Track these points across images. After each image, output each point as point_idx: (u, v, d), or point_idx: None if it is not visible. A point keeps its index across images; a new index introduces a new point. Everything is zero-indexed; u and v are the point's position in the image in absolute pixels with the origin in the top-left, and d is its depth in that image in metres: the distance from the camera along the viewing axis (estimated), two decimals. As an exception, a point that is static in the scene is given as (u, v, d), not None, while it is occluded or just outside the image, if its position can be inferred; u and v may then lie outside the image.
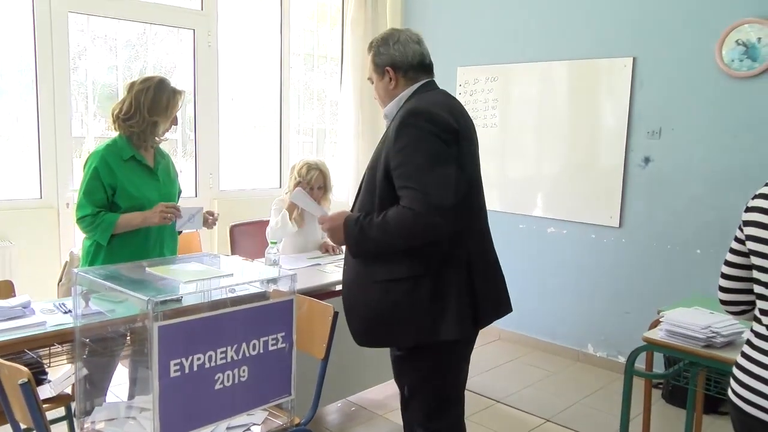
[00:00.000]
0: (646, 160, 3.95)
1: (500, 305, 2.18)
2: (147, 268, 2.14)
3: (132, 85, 2.64)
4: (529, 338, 4.60)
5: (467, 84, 4.81)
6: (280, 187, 4.88)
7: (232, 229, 3.83)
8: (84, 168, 2.64)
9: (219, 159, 4.56)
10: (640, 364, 2.89)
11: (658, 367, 3.56)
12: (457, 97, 2.23)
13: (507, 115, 4.62)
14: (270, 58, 4.86)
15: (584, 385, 3.93)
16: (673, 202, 3.86)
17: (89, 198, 2.57)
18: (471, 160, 2.08)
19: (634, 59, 3.94)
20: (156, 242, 2.73)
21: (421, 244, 1.93)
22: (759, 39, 3.45)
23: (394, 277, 1.98)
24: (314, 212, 2.39)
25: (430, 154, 1.90)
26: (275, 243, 3.09)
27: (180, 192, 2.94)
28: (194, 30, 4.35)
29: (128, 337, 2.36)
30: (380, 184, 1.98)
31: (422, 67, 2.12)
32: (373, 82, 2.17)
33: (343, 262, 2.20)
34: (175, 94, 2.65)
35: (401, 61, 2.08)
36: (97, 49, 4.16)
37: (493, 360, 4.31)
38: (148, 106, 2.58)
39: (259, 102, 4.95)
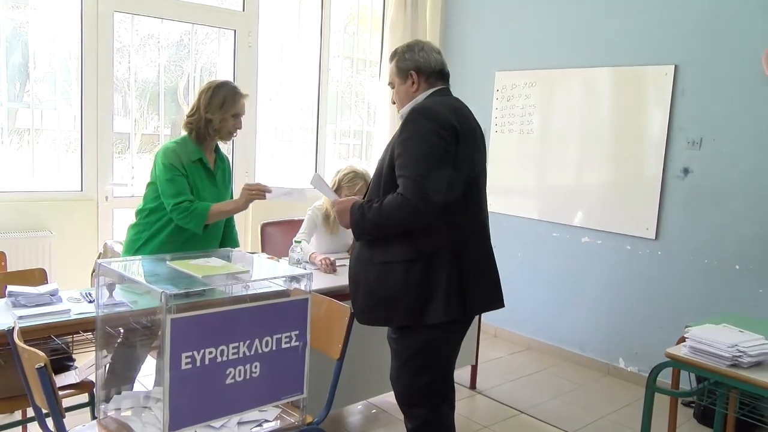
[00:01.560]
0: (686, 171, 3.84)
1: (490, 298, 2.30)
2: (168, 262, 2.19)
3: (202, 88, 2.81)
4: (559, 349, 4.52)
5: (505, 89, 4.76)
6: (315, 188, 4.91)
7: (263, 227, 3.88)
8: (158, 159, 2.73)
9: (255, 158, 4.64)
10: (667, 380, 2.81)
11: (688, 385, 3.45)
12: (494, 102, 2.39)
13: (544, 121, 4.56)
14: (310, 59, 4.91)
15: (612, 400, 3.83)
16: (712, 215, 3.74)
17: (176, 185, 2.66)
18: (471, 162, 2.20)
19: (675, 67, 3.84)
20: (203, 242, 2.79)
21: (414, 230, 2.11)
22: (808, 49, 3.31)
23: (389, 259, 2.17)
24: (329, 197, 2.54)
25: (428, 148, 2.07)
26: (299, 242, 3.12)
27: (232, 193, 3.03)
28: (235, 30, 4.43)
29: (151, 329, 2.42)
30: (385, 172, 2.18)
31: (441, 74, 2.30)
32: (393, 87, 2.35)
33: None
34: (234, 94, 2.79)
35: (425, 67, 2.27)
36: (142, 48, 4.28)
37: (520, 369, 4.25)
38: (205, 104, 2.74)
39: (298, 103, 5.01)
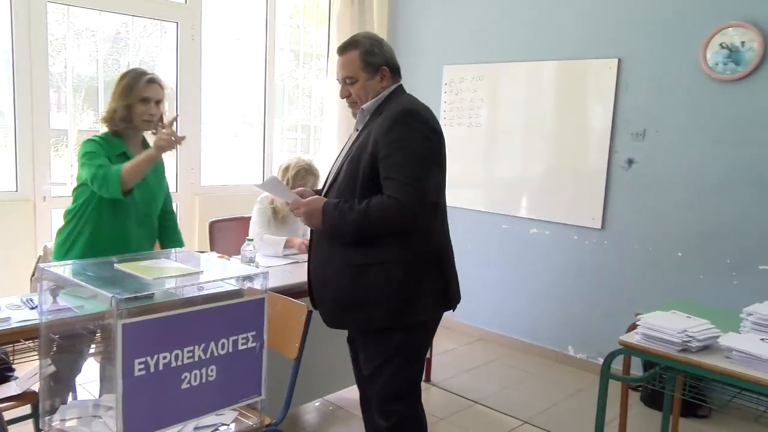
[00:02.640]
0: (630, 162, 3.94)
1: (459, 293, 2.32)
2: (116, 264, 2.10)
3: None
4: (511, 339, 4.59)
5: (453, 83, 4.78)
6: (268, 192, 4.82)
7: (212, 225, 3.78)
8: (80, 152, 2.57)
9: (201, 154, 4.52)
10: (618, 366, 2.88)
11: (637, 370, 3.56)
12: (442, 96, 2.40)
13: (492, 114, 4.60)
14: (255, 52, 4.81)
15: (564, 387, 3.92)
16: (655, 204, 3.86)
17: (95, 162, 2.49)
18: (445, 162, 2.21)
19: (619, 60, 3.93)
20: (135, 241, 2.67)
21: (396, 232, 2.08)
22: (743, 43, 3.44)
23: (369, 261, 2.11)
24: (287, 198, 2.33)
25: (422, 150, 2.06)
26: (251, 240, 3.05)
27: (167, 189, 2.91)
28: (178, 23, 4.30)
29: (98, 334, 2.32)
30: (364, 173, 2.10)
31: (399, 70, 2.29)
32: (352, 81, 2.21)
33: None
34: (137, 78, 2.62)
35: (392, 62, 2.24)
36: (79, 41, 4.10)
37: (474, 360, 4.30)
38: (118, 93, 2.62)
39: (244, 97, 4.90)
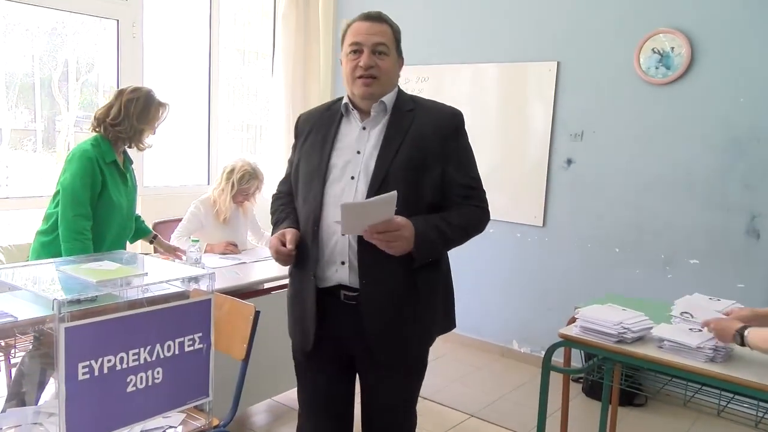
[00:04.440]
0: (569, 161, 4.08)
1: None
2: (58, 267, 2.05)
3: (121, 92, 2.78)
4: (456, 335, 4.66)
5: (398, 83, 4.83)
6: (209, 183, 4.77)
7: (155, 226, 3.71)
8: (71, 164, 2.66)
9: (144, 154, 4.41)
10: (559, 359, 2.99)
11: (578, 362, 3.69)
12: None
13: (437, 115, 4.67)
14: (199, 51, 4.74)
15: (508, 381, 4.02)
16: (593, 202, 4.00)
17: (86, 198, 2.61)
18: None
19: (558, 64, 4.06)
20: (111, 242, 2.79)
21: None
22: (672, 48, 3.61)
23: (431, 279, 1.98)
24: (373, 221, 1.72)
25: (473, 156, 2.00)
26: (197, 241, 3.02)
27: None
28: (118, 20, 4.19)
29: (35, 339, 2.26)
30: (434, 181, 1.87)
31: None
32: (382, 51, 1.88)
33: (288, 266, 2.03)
34: (160, 106, 2.83)
35: None
36: (8, 36, 3.95)
37: (421, 357, 4.35)
38: (137, 115, 2.74)
39: (188, 96, 4.82)
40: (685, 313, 2.32)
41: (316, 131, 1.99)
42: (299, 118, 2.12)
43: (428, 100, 2.04)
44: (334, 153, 1.91)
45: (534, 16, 4.17)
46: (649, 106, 3.76)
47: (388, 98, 1.92)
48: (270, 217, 2.14)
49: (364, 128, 1.92)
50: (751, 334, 1.95)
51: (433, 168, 1.86)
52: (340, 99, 2.01)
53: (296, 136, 2.09)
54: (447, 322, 2.09)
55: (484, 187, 2.08)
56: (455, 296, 2.18)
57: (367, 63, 1.85)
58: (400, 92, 1.98)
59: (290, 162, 2.10)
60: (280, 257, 1.91)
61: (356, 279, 1.86)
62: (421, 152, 1.86)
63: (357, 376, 2.08)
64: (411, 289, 1.89)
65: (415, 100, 1.98)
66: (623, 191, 3.88)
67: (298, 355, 2.11)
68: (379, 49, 1.87)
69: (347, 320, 1.91)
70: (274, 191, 2.19)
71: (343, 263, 1.87)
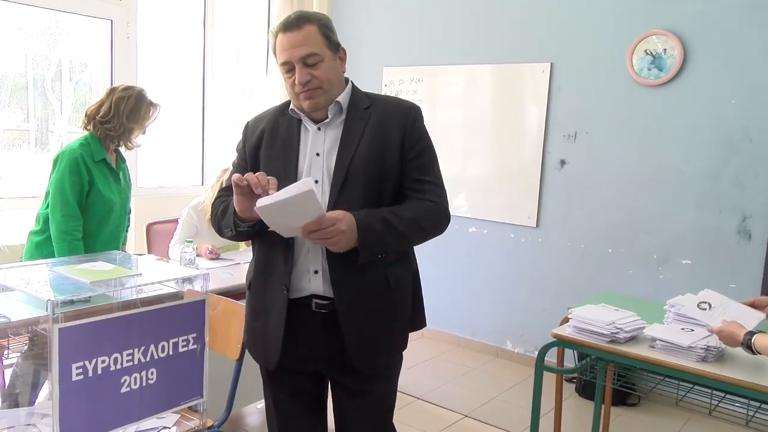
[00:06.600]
0: (562, 162, 4.10)
1: None
2: (51, 267, 2.05)
3: (113, 90, 2.79)
4: (451, 335, 4.68)
5: (392, 84, 4.84)
6: (202, 184, 4.77)
7: (149, 227, 3.72)
8: (59, 164, 2.67)
9: (137, 155, 4.41)
10: (553, 359, 3.00)
11: (571, 362, 3.70)
12: None
13: (431, 116, 4.68)
14: (193, 51, 4.74)
15: (502, 381, 4.03)
16: (586, 203, 4.02)
17: (73, 197, 2.62)
18: None
19: (551, 65, 4.08)
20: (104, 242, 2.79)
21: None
22: (665, 50, 3.64)
23: (402, 277, 1.93)
24: (310, 218, 1.62)
25: (434, 150, 1.90)
26: (191, 242, 3.02)
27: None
28: (112, 21, 4.19)
29: (29, 339, 2.25)
30: (393, 176, 1.82)
31: None
32: (314, 62, 1.75)
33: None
34: (151, 106, 2.84)
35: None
36: (5, 37, 3.94)
37: (415, 357, 4.36)
38: (128, 113, 2.75)
39: (182, 96, 4.82)
40: (704, 303, 2.29)
41: (271, 136, 1.89)
42: (247, 123, 2.01)
43: (385, 96, 2.02)
44: (299, 157, 1.84)
45: (528, 17, 4.19)
46: (641, 107, 3.78)
47: (342, 97, 1.84)
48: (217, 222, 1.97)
49: (319, 129, 1.84)
50: (758, 340, 1.95)
51: (391, 164, 1.81)
52: (289, 102, 1.90)
53: (244, 141, 1.98)
54: (417, 321, 2.02)
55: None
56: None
57: (302, 80, 1.75)
58: (355, 89, 1.89)
59: (235, 165, 1.99)
60: (244, 190, 1.69)
61: (329, 287, 1.79)
62: (380, 149, 1.80)
63: (329, 387, 2.01)
64: (384, 291, 1.85)
65: (370, 96, 1.89)
66: (616, 192, 3.90)
67: (261, 370, 2.04)
68: (309, 61, 1.74)
69: (318, 330, 1.84)
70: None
71: (316, 272, 1.81)
